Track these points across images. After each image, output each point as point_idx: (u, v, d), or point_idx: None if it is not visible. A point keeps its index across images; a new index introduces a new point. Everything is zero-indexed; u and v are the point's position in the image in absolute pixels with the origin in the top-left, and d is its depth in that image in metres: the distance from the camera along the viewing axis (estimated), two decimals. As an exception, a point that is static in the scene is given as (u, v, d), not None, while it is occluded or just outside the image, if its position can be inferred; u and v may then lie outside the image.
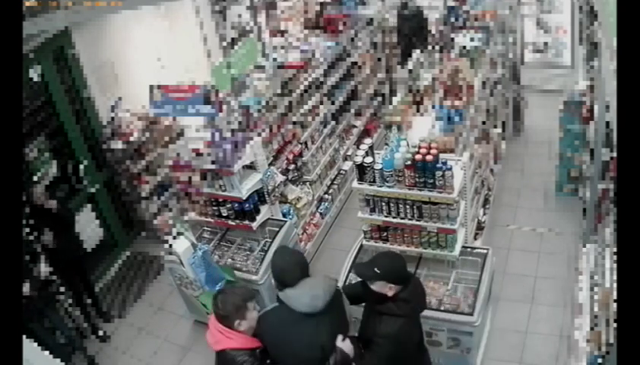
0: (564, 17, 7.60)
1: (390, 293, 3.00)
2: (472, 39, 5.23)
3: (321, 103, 6.18)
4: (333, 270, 4.56)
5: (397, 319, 2.98)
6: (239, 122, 4.78)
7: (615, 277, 3.05)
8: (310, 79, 5.91)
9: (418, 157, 3.68)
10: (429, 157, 3.66)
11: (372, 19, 7.35)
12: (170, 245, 4.24)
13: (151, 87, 4.52)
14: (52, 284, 4.71)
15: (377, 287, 3.03)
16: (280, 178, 5.03)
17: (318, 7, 6.72)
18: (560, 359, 4.18)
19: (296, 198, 5.46)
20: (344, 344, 3.00)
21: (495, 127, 6.18)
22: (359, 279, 3.33)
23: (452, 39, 5.39)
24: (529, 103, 7.19)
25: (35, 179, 5.14)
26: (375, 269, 3.01)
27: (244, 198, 4.61)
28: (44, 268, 4.51)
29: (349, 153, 6.73)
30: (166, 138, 6.25)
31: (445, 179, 3.68)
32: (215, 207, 4.81)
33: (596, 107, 4.32)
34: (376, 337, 3.00)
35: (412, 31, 7.68)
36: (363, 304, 3.35)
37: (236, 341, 2.96)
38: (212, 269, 4.15)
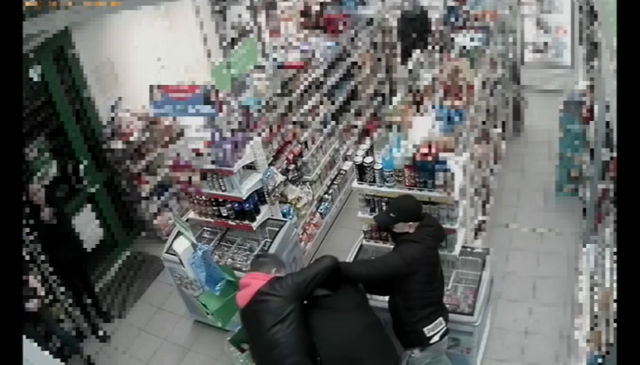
0: (564, 17, 7.59)
1: (411, 230, 3.37)
2: (472, 39, 5.22)
3: (321, 103, 6.18)
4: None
5: (417, 245, 3.31)
6: (239, 122, 4.78)
7: (615, 277, 3.05)
8: (310, 79, 5.91)
9: (418, 157, 3.69)
10: (429, 157, 3.66)
11: (372, 19, 7.34)
12: (170, 245, 4.23)
13: (151, 87, 4.52)
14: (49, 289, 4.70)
15: (399, 228, 3.39)
16: (280, 178, 5.03)
17: (318, 7, 6.72)
18: (560, 359, 4.18)
19: (296, 198, 5.46)
20: None
21: (495, 127, 6.18)
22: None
23: (452, 39, 5.38)
24: (529, 103, 7.19)
25: (35, 179, 5.14)
26: (391, 214, 3.38)
27: (244, 198, 4.61)
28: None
29: (349, 153, 6.72)
30: (166, 138, 6.26)
31: (445, 179, 3.68)
32: (215, 207, 4.81)
33: (596, 107, 4.32)
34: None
35: (415, 32, 7.66)
36: None
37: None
38: (212, 269, 4.14)
